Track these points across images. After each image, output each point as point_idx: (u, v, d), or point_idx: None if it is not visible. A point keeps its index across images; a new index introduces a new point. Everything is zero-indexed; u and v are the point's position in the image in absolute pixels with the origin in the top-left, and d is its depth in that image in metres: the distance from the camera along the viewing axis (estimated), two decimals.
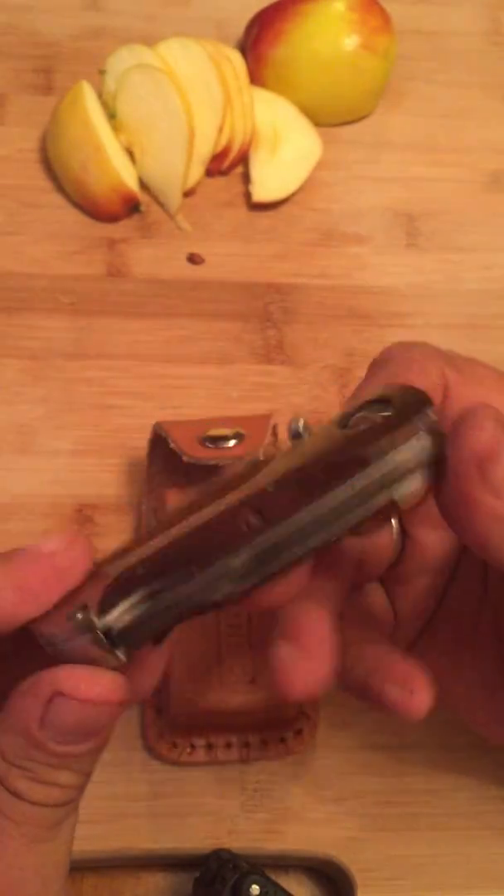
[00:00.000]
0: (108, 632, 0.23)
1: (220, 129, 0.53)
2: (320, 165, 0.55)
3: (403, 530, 0.30)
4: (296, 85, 0.55)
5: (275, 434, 0.43)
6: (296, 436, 0.26)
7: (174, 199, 0.53)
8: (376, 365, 0.29)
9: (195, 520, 0.24)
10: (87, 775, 0.25)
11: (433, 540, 0.31)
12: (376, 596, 0.32)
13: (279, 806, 0.39)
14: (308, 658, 0.26)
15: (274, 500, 0.24)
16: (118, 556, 0.25)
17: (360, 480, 0.23)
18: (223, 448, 0.40)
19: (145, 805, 0.39)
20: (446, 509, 0.25)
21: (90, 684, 0.23)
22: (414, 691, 0.28)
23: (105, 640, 0.23)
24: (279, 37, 0.55)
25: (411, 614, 0.32)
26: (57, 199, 0.54)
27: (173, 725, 0.39)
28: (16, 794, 0.23)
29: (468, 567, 0.31)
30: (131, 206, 0.53)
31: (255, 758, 0.40)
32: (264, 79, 0.56)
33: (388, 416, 0.25)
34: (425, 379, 0.28)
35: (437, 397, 0.28)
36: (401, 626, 0.32)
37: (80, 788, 0.25)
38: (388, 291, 0.53)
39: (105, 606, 0.23)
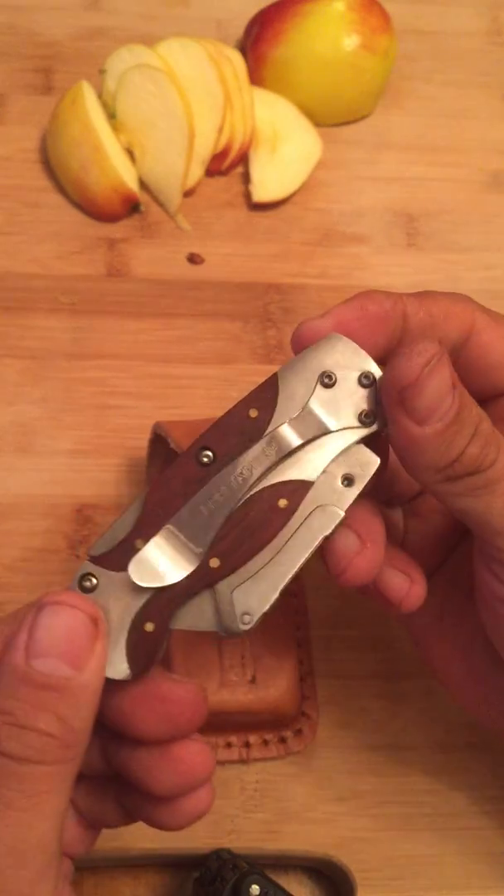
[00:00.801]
0: None
1: (220, 129, 0.53)
2: (320, 165, 0.55)
3: None
4: (296, 85, 0.55)
5: None
6: None
7: (174, 199, 0.53)
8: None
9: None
10: (67, 732, 0.23)
11: None
12: (395, 516, 0.34)
13: (279, 806, 0.39)
14: (369, 546, 0.29)
15: None
16: None
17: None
18: None
19: None
20: (391, 440, 0.27)
21: (70, 596, 0.24)
22: (414, 581, 0.30)
23: None
24: (279, 37, 0.55)
25: (418, 552, 0.33)
26: (57, 199, 0.54)
27: None
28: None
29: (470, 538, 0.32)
30: (131, 206, 0.53)
31: (255, 758, 0.40)
32: (264, 79, 0.56)
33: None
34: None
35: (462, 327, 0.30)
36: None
37: (60, 747, 0.23)
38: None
39: None
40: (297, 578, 0.27)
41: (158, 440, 0.42)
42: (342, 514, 0.26)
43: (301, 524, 0.26)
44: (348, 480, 0.27)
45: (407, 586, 0.30)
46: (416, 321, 0.29)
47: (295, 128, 0.55)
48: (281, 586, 0.26)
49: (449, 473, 0.26)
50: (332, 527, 0.26)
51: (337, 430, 0.27)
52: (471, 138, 0.59)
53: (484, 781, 0.40)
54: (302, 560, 0.26)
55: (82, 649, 0.24)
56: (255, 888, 0.34)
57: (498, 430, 0.29)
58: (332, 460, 0.27)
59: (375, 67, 0.55)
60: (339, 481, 0.27)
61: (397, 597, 0.30)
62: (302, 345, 0.28)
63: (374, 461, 0.27)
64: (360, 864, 0.38)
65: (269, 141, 0.55)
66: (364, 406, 0.27)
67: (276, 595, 0.26)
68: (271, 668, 0.39)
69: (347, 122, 0.58)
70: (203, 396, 0.48)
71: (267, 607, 0.26)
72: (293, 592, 0.43)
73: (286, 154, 0.54)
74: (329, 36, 0.54)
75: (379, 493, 0.32)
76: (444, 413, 0.26)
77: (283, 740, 0.40)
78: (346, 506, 0.27)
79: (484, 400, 0.31)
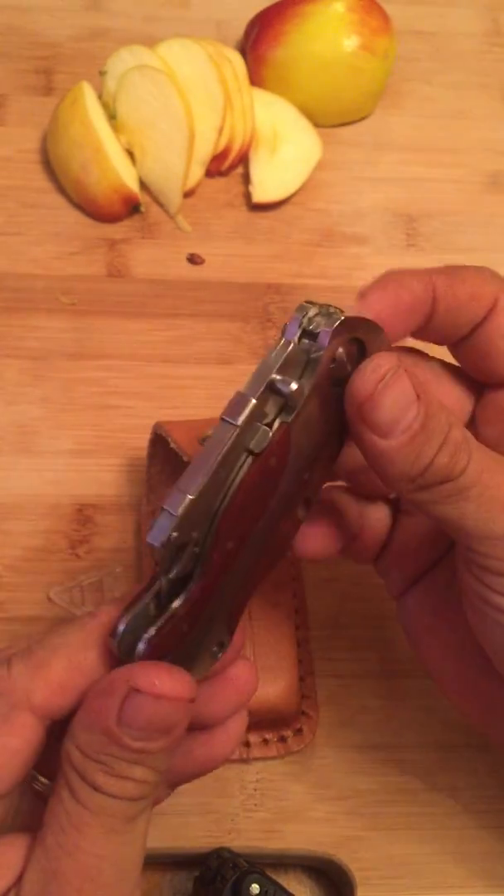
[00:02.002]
0: None
1: (220, 130, 0.53)
2: (320, 166, 0.55)
3: None
4: (296, 86, 0.55)
5: None
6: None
7: (174, 199, 0.53)
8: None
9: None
10: (161, 772, 0.26)
11: None
12: (379, 512, 0.34)
13: (279, 805, 0.39)
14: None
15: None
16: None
17: None
18: None
19: None
20: (355, 442, 0.27)
21: (164, 680, 0.25)
22: None
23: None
24: (279, 38, 0.55)
25: (412, 550, 0.33)
26: (57, 199, 0.54)
27: None
28: (93, 787, 0.25)
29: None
30: (131, 207, 0.53)
31: (255, 757, 0.40)
32: (264, 80, 0.56)
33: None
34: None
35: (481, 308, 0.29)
36: (395, 559, 0.34)
37: (154, 784, 0.26)
38: None
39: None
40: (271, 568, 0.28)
41: (158, 440, 0.42)
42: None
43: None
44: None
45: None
46: (444, 305, 0.29)
47: (295, 129, 0.55)
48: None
49: (420, 483, 0.26)
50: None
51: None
52: (470, 139, 0.59)
53: (483, 781, 0.40)
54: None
55: (174, 725, 0.25)
56: (255, 887, 0.34)
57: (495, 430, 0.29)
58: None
59: (375, 68, 0.55)
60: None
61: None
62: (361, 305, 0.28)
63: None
64: (360, 863, 0.38)
65: (269, 142, 0.55)
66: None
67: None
68: (271, 668, 0.39)
69: (347, 123, 0.58)
70: (203, 396, 0.48)
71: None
72: (293, 592, 0.43)
73: (286, 155, 0.55)
74: (329, 37, 0.54)
75: (361, 488, 0.32)
76: (408, 425, 0.26)
77: (282, 740, 0.40)
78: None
79: (499, 384, 0.31)
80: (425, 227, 0.55)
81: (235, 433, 0.25)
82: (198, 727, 0.28)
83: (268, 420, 0.26)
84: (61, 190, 0.54)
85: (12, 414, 0.47)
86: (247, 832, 0.39)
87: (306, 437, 0.27)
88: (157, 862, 0.39)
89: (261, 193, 0.54)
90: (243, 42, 0.58)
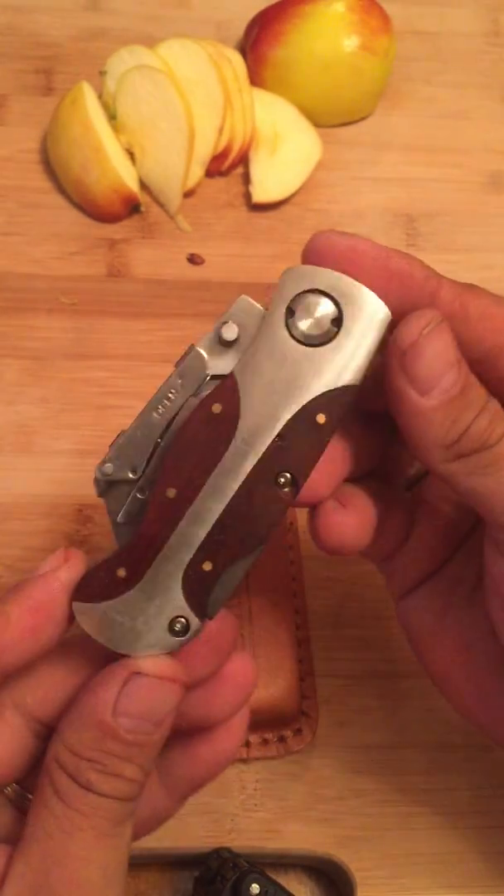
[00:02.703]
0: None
1: (220, 130, 0.53)
2: (320, 166, 0.55)
3: None
4: (296, 86, 0.55)
5: None
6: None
7: (174, 199, 0.53)
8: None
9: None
10: (146, 775, 0.26)
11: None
12: (399, 505, 0.33)
13: (279, 805, 0.39)
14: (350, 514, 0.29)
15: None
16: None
17: None
18: None
19: None
20: (397, 416, 0.26)
21: (162, 664, 0.26)
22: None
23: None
24: (279, 38, 0.55)
25: (424, 544, 0.33)
26: (57, 199, 0.54)
27: None
28: (86, 786, 0.25)
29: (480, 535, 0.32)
30: (131, 207, 0.53)
31: (255, 757, 0.40)
32: (264, 80, 0.56)
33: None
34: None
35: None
36: (405, 560, 0.33)
37: (140, 786, 0.26)
38: None
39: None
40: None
41: None
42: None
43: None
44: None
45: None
46: (446, 309, 0.26)
47: (295, 128, 0.55)
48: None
49: (456, 451, 0.26)
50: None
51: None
52: (470, 139, 0.59)
53: (483, 781, 0.40)
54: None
55: (166, 713, 0.26)
56: (255, 887, 0.34)
57: None
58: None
59: (375, 68, 0.55)
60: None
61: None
62: (310, 253, 0.27)
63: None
64: (360, 863, 0.38)
65: (269, 142, 0.55)
66: None
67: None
68: (271, 668, 0.39)
69: (347, 123, 0.58)
70: None
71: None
72: (293, 592, 0.43)
73: (286, 155, 0.55)
74: (329, 37, 0.54)
75: (380, 471, 0.32)
76: (450, 386, 0.25)
77: (282, 740, 0.40)
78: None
79: None
80: (425, 227, 0.55)
81: (173, 375, 0.25)
82: (200, 727, 0.28)
83: (217, 371, 0.26)
84: (61, 190, 0.54)
85: (12, 414, 0.47)
86: (247, 832, 0.39)
87: (264, 392, 0.25)
88: (157, 862, 0.39)
89: (261, 193, 0.54)
90: (243, 42, 0.58)
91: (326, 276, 0.25)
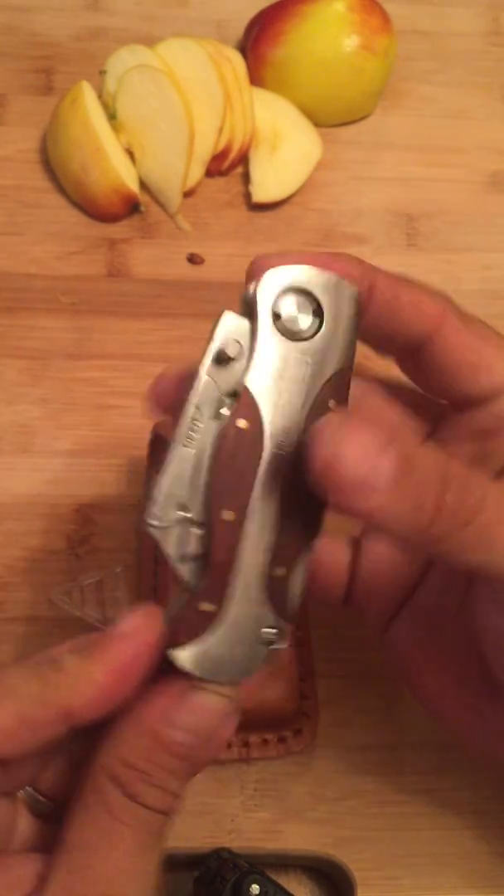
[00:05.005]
0: None
1: (220, 130, 0.53)
2: (320, 165, 0.55)
3: None
4: (296, 85, 0.55)
5: None
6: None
7: (174, 199, 0.53)
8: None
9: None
10: (183, 790, 0.26)
11: None
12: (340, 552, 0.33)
13: (279, 805, 0.39)
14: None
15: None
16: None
17: None
18: None
19: None
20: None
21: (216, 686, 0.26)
22: None
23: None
24: (279, 37, 0.55)
25: (377, 577, 0.32)
26: (57, 199, 0.54)
27: None
28: (132, 797, 0.25)
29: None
30: (131, 207, 0.53)
31: (255, 757, 0.40)
32: (264, 79, 0.56)
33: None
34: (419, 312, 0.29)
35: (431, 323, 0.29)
36: (367, 594, 0.33)
37: (180, 801, 0.26)
38: None
39: None
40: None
41: (158, 440, 0.42)
42: None
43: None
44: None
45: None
46: (381, 299, 0.28)
47: (295, 128, 0.55)
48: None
49: (437, 534, 0.23)
50: None
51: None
52: (470, 138, 0.59)
53: (483, 781, 0.40)
54: None
55: (219, 732, 0.26)
56: (255, 888, 0.34)
57: (479, 450, 0.28)
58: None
59: (375, 68, 0.55)
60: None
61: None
62: (255, 273, 0.27)
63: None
64: (360, 863, 0.38)
65: (269, 141, 0.55)
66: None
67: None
68: (271, 669, 0.39)
69: (347, 123, 0.58)
70: None
71: None
72: None
73: (286, 154, 0.55)
74: (329, 37, 0.54)
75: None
76: (391, 474, 0.22)
77: (282, 740, 0.40)
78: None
79: (454, 407, 0.31)
80: (425, 227, 0.55)
81: (188, 405, 0.26)
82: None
83: (229, 388, 0.26)
84: (61, 190, 0.54)
85: (12, 414, 0.47)
86: (247, 832, 0.39)
87: (279, 396, 0.26)
88: None
89: (261, 193, 0.54)
90: (243, 41, 0.58)
91: (296, 273, 0.26)
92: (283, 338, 0.26)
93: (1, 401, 0.47)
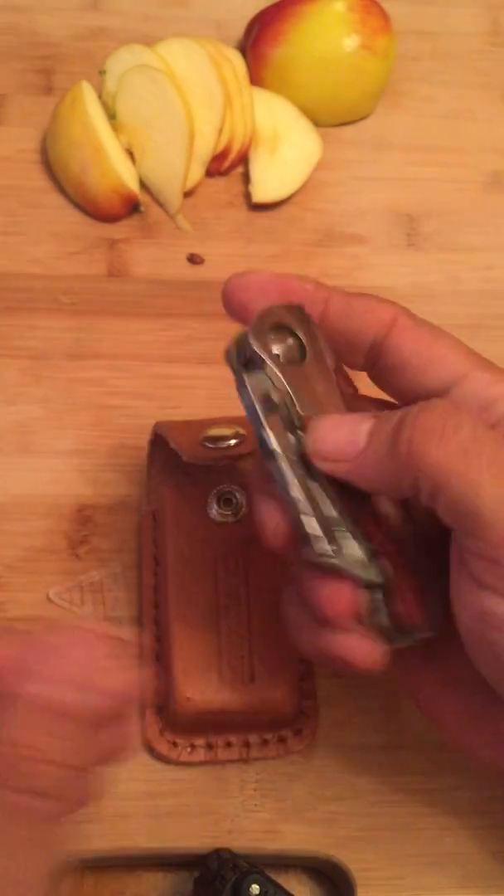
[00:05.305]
0: None
1: (220, 130, 0.53)
2: (320, 165, 0.55)
3: None
4: (296, 85, 0.55)
5: None
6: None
7: (174, 199, 0.53)
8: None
9: None
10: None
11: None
12: None
13: (279, 806, 0.39)
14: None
15: None
16: None
17: None
18: (223, 448, 0.40)
19: (145, 805, 0.39)
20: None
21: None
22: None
23: None
24: (279, 37, 0.55)
25: None
26: (57, 199, 0.54)
27: (173, 725, 0.39)
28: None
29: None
30: (131, 207, 0.53)
31: (255, 757, 0.40)
32: (264, 79, 0.56)
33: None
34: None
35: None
36: None
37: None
38: (387, 292, 0.51)
39: None
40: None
41: (158, 440, 0.42)
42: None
43: None
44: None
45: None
46: (335, 309, 0.31)
47: (295, 128, 0.55)
48: None
49: (405, 468, 0.27)
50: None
51: None
52: (471, 138, 0.59)
53: (484, 781, 0.40)
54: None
55: None
56: (255, 888, 0.34)
57: None
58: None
59: (375, 68, 0.55)
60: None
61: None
62: (231, 303, 0.32)
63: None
64: (360, 863, 0.38)
65: (269, 141, 0.55)
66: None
67: None
68: (271, 668, 0.39)
69: (347, 123, 0.58)
70: (203, 396, 0.48)
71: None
72: None
73: (286, 154, 0.55)
74: (329, 36, 0.54)
75: None
76: (350, 450, 0.29)
77: (282, 740, 0.40)
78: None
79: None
80: (425, 227, 0.55)
81: (277, 461, 0.29)
82: None
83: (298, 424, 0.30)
84: (61, 190, 0.54)
85: (12, 414, 0.47)
86: (247, 832, 0.39)
87: (328, 398, 0.31)
88: (156, 862, 0.39)
89: (261, 193, 0.54)
90: (243, 41, 0.58)
91: (269, 316, 0.30)
92: (290, 365, 0.30)
93: (1, 401, 0.47)
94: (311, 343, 0.31)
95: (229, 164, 0.55)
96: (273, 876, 0.35)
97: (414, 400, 0.31)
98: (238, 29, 0.58)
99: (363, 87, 0.56)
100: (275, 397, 0.30)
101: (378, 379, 0.32)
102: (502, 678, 0.28)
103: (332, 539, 0.29)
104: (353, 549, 0.29)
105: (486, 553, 0.26)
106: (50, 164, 0.54)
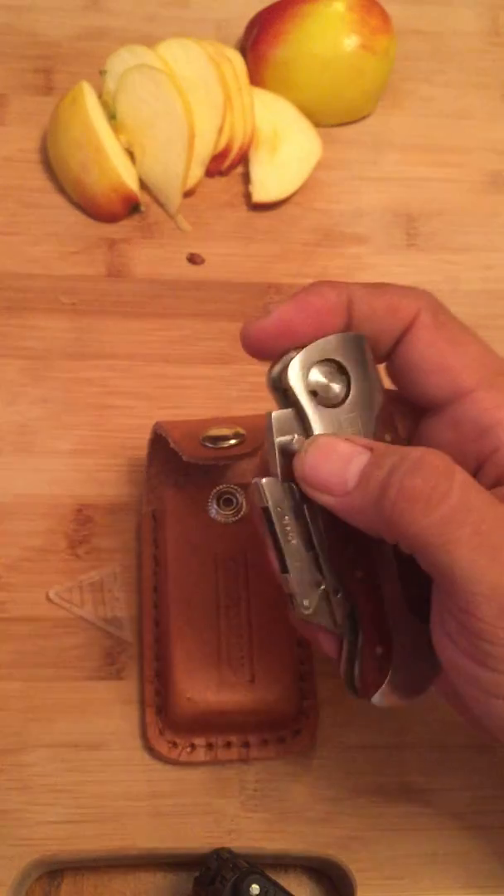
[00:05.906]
0: None
1: (220, 130, 0.53)
2: (320, 165, 0.55)
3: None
4: (296, 85, 0.55)
5: None
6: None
7: (174, 199, 0.53)
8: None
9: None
10: None
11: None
12: None
13: (279, 806, 0.39)
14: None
15: None
16: None
17: None
18: (223, 448, 0.40)
19: (145, 805, 0.39)
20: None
21: None
22: None
23: None
24: (279, 37, 0.55)
25: None
26: (57, 199, 0.54)
27: (173, 725, 0.39)
28: None
29: None
30: (131, 207, 0.53)
31: (255, 758, 0.40)
32: (264, 79, 0.56)
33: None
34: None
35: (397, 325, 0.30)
36: None
37: None
38: None
39: None
40: None
41: (158, 440, 0.42)
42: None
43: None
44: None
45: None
46: (358, 315, 0.29)
47: (295, 128, 0.55)
48: None
49: (395, 512, 0.26)
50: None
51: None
52: (471, 138, 0.59)
53: (483, 781, 0.40)
54: None
55: None
56: (255, 888, 0.34)
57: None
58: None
59: (375, 68, 0.55)
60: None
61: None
62: (252, 346, 0.30)
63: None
64: (360, 864, 0.38)
65: (269, 141, 0.55)
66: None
67: None
68: (271, 668, 0.39)
69: (347, 123, 0.58)
70: (203, 396, 0.48)
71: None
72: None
73: (286, 154, 0.55)
74: (329, 36, 0.54)
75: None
76: (339, 484, 0.28)
77: (282, 740, 0.40)
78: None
79: (423, 411, 0.31)
80: (425, 227, 0.55)
81: (271, 510, 0.29)
82: None
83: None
84: (61, 190, 0.54)
85: (12, 414, 0.47)
86: (247, 832, 0.39)
87: None
88: (157, 862, 0.39)
89: (261, 193, 0.54)
90: (243, 42, 0.58)
91: (312, 351, 0.29)
92: (328, 408, 0.29)
93: (1, 401, 0.47)
94: (359, 380, 0.29)
95: (229, 164, 0.55)
96: (273, 876, 0.35)
97: (417, 402, 0.31)
98: (238, 29, 0.58)
99: (363, 87, 0.56)
100: (296, 446, 0.29)
101: (388, 371, 0.32)
102: (472, 719, 0.30)
103: (310, 598, 0.30)
104: (326, 609, 0.30)
105: (456, 615, 0.27)
106: (50, 164, 0.54)
